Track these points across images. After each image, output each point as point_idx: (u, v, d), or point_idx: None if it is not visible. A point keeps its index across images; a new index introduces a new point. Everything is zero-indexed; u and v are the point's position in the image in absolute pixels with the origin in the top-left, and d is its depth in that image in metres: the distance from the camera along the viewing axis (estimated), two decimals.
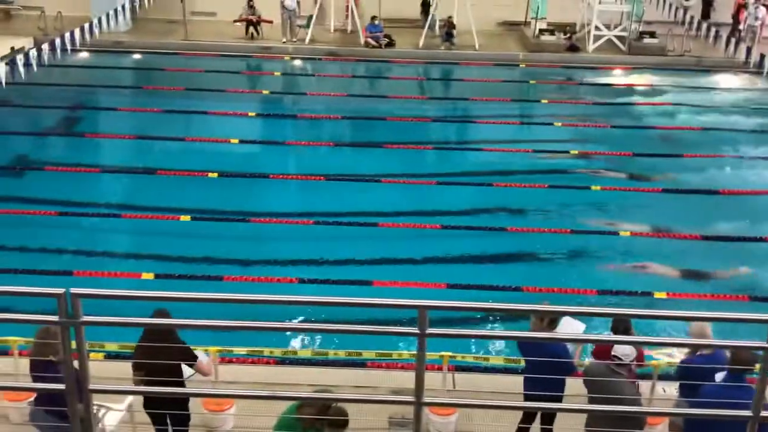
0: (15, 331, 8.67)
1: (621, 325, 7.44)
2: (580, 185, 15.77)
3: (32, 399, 7.19)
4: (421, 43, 25.45)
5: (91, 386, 4.69)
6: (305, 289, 11.51)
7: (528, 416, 7.92)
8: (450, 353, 8.73)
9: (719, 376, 6.57)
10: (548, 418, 7.75)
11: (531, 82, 23.18)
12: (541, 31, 25.81)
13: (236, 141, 17.72)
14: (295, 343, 10.51)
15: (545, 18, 26.07)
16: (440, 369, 8.71)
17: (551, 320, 7.42)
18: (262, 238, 13.41)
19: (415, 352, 4.62)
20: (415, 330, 4.42)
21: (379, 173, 15.88)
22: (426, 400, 4.56)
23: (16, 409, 7.96)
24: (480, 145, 17.54)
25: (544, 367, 7.17)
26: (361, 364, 9.45)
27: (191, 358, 7.29)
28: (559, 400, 7.23)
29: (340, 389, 8.06)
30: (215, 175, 15.61)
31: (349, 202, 14.64)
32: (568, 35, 25.90)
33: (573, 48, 25.58)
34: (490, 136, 18.44)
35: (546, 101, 21.27)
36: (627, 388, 6.78)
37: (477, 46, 25.30)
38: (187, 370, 7.36)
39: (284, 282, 11.71)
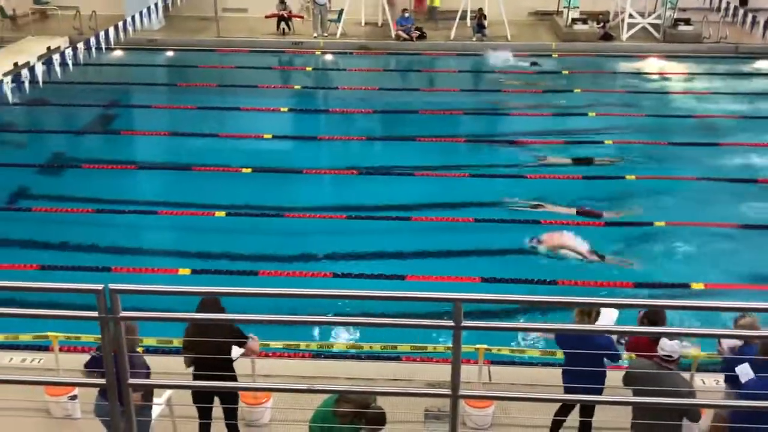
0: (56, 326, 8.82)
1: (653, 318, 7.31)
2: (615, 175, 15.60)
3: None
4: (452, 35, 25.35)
5: (131, 380, 4.75)
6: (339, 283, 11.53)
7: (564, 409, 7.86)
8: (485, 346, 8.70)
9: (744, 368, 6.48)
10: (587, 411, 7.68)
11: (564, 72, 22.96)
12: (574, 20, 25.56)
13: (269, 136, 17.80)
14: (331, 336, 10.56)
15: (578, 7, 25.82)
16: (476, 363, 8.69)
17: (597, 313, 7.33)
18: (296, 232, 13.47)
19: (450, 346, 4.61)
20: (450, 323, 4.41)
21: (412, 167, 15.85)
22: (462, 392, 4.55)
23: (57, 403, 8.10)
24: (513, 136, 17.41)
25: (587, 359, 7.11)
26: (396, 357, 9.47)
27: (242, 338, 7.43)
28: (599, 392, 7.16)
29: (376, 382, 8.09)
30: (249, 170, 15.72)
31: (382, 196, 14.64)
32: (602, 24, 25.61)
33: (606, 37, 25.29)
34: (523, 128, 18.32)
35: (579, 91, 21.05)
36: (682, 382, 6.69)
37: (509, 37, 25.13)
38: (234, 353, 7.47)
39: (318, 276, 11.74)
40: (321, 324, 10.22)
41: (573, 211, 14.09)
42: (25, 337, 9.11)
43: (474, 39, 25.20)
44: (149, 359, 8.45)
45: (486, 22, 25.23)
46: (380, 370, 9.09)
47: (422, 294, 4.79)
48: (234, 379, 7.42)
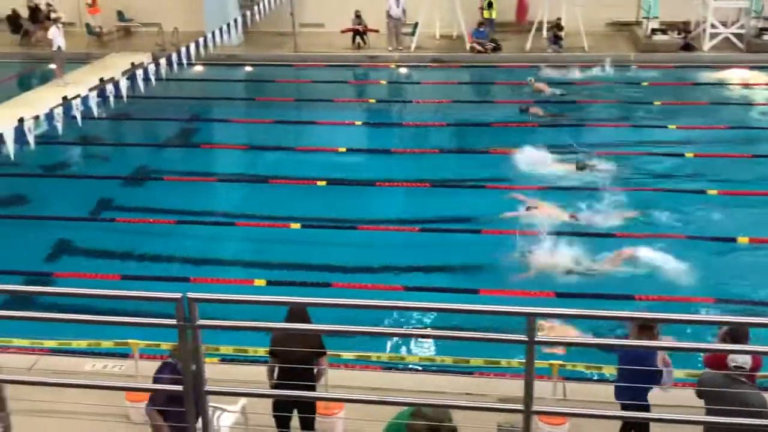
0: (136, 334, 9.08)
1: (735, 335, 7.10)
2: (696, 189, 15.18)
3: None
4: (528, 47, 25.16)
5: (207, 387, 4.85)
6: (411, 296, 11.53)
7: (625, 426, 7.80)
8: (560, 362, 8.56)
9: None
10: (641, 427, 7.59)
11: (643, 83, 22.50)
12: (654, 30, 25.04)
13: (344, 150, 17.98)
14: (402, 349, 10.55)
15: (658, 17, 25.28)
16: (550, 378, 8.56)
17: (644, 327, 7.16)
18: (369, 244, 13.53)
19: (523, 361, 4.56)
20: (524, 337, 4.37)
21: (485, 179, 15.76)
22: (535, 408, 4.49)
23: (136, 409, 8.31)
24: (590, 149, 17.13)
25: (632, 375, 7.08)
26: (469, 371, 9.40)
27: (323, 350, 7.56)
28: (646, 408, 7.13)
29: (448, 396, 8.04)
30: (324, 183, 15.89)
31: (455, 208, 14.60)
32: (683, 34, 25.01)
33: (687, 47, 24.70)
34: (601, 140, 18.01)
35: (659, 103, 20.60)
36: (753, 396, 6.47)
37: (586, 48, 24.79)
38: None
39: (391, 289, 11.76)
40: (393, 336, 10.24)
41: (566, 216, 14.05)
42: (107, 344, 9.39)
43: (550, 50, 24.95)
44: (225, 367, 8.62)
45: (562, 33, 24.95)
46: (452, 383, 9.04)
47: (495, 307, 4.76)
48: (314, 389, 7.51)
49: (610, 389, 8.80)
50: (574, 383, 8.98)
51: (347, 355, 9.32)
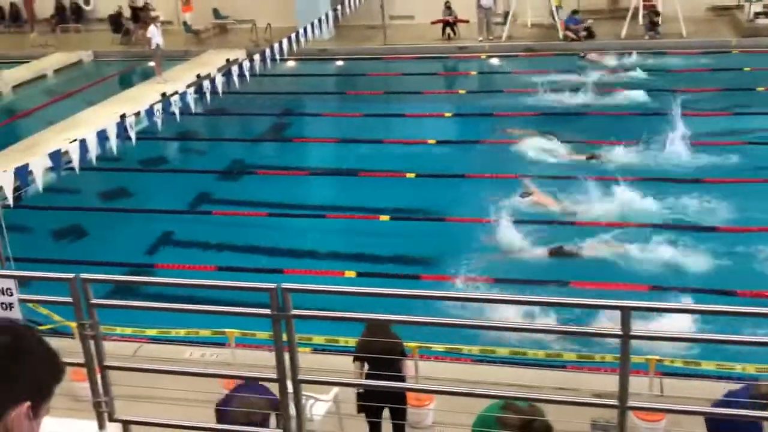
0: (232, 323, 9.32)
1: None
2: None
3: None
4: (623, 34, 24.50)
5: (301, 376, 4.94)
6: (501, 288, 11.41)
7: None
8: (657, 357, 8.33)
9: None
10: None
11: (745, 69, 21.57)
12: (757, 14, 23.97)
13: (433, 141, 17.94)
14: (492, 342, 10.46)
15: (761, 0, 24.19)
16: (647, 374, 8.33)
17: None
18: (459, 236, 13.45)
19: (618, 355, 4.46)
20: (618, 331, 4.27)
21: (584, 170, 15.41)
22: (631, 404, 4.39)
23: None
24: (689, 138, 16.54)
25: None
26: (561, 365, 9.25)
27: (404, 354, 7.54)
28: None
29: (540, 390, 7.94)
30: (413, 175, 15.90)
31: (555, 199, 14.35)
32: None
33: None
34: (699, 129, 17.38)
35: (763, 89, 19.71)
36: None
37: (684, 34, 23.96)
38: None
39: (480, 281, 11.67)
40: (483, 328, 10.13)
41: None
42: (205, 333, 9.67)
43: (646, 37, 24.22)
44: (317, 357, 8.75)
45: (659, 19, 24.18)
46: (543, 377, 8.92)
47: (587, 301, 4.67)
48: (405, 394, 7.50)
49: (709, 385, 8.52)
50: (672, 379, 8.71)
51: (437, 347, 9.31)
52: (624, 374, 4.37)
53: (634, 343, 4.54)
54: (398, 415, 7.61)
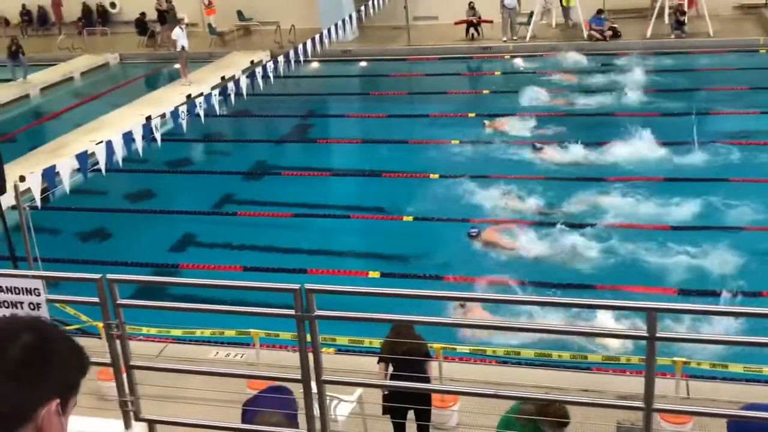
0: (257, 324, 9.35)
1: None
2: None
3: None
4: (648, 33, 24.29)
5: (324, 377, 4.95)
6: (526, 290, 11.35)
7: None
8: (684, 359, 8.24)
9: None
10: None
11: None
12: None
13: (456, 142, 17.90)
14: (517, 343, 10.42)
15: None
16: (673, 376, 8.25)
17: None
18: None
19: (644, 357, 4.42)
20: (644, 333, 4.23)
21: (605, 172, 15.32)
22: (656, 406, 4.35)
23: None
24: (716, 138, 16.37)
25: None
26: (586, 367, 9.19)
27: (428, 356, 7.55)
28: None
29: (566, 392, 7.89)
30: (436, 176, 15.88)
31: (571, 202, 14.26)
32: None
33: None
34: (727, 129, 17.20)
35: None
36: None
37: (711, 33, 23.71)
38: None
39: (504, 282, 11.61)
40: (508, 329, 10.10)
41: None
42: (230, 333, 9.71)
43: (672, 36, 24.00)
44: (341, 357, 8.76)
45: (685, 18, 23.95)
46: (568, 379, 8.86)
47: (613, 302, 4.64)
48: (430, 395, 7.49)
49: (735, 388, 8.43)
50: (699, 381, 8.63)
51: (461, 348, 9.29)
52: (650, 376, 4.33)
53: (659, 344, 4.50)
54: (423, 417, 7.60)
